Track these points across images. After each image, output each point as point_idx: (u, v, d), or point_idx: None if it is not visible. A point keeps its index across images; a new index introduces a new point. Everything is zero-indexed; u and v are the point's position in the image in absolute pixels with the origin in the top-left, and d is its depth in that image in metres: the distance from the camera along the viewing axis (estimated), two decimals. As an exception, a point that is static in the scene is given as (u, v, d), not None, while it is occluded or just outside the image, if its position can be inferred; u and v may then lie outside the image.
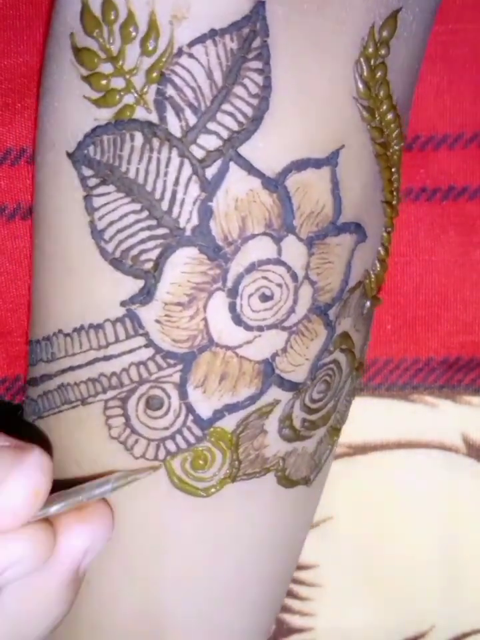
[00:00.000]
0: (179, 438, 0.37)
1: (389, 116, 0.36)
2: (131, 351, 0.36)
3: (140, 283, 0.35)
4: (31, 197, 0.42)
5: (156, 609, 0.38)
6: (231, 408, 0.37)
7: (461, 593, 0.50)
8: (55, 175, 0.36)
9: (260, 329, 0.36)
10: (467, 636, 0.51)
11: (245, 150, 0.34)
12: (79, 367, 0.37)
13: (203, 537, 0.38)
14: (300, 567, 0.50)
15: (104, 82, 0.33)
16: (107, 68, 0.34)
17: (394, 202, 0.38)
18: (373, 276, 0.38)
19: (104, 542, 0.35)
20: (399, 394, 0.47)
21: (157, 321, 0.35)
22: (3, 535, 0.31)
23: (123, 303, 0.35)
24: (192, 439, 0.37)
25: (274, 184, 0.34)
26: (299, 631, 0.51)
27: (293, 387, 0.37)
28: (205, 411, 0.36)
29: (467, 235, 0.46)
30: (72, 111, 0.34)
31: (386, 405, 0.47)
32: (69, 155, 0.35)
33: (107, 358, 0.36)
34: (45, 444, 0.37)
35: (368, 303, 0.39)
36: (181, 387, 0.36)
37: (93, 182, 0.35)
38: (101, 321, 0.36)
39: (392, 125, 0.36)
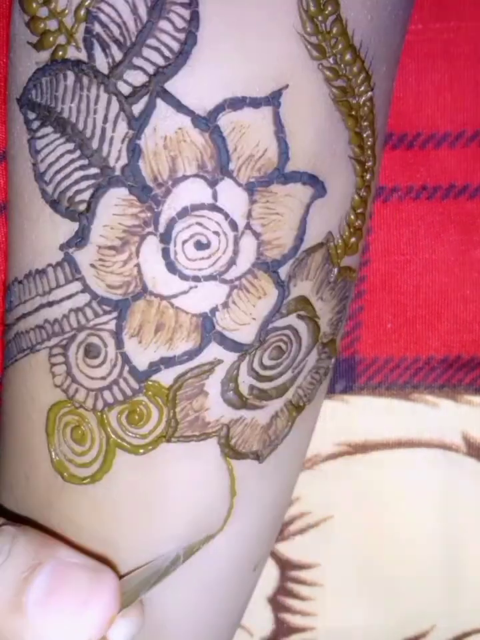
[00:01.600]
0: (115, 389, 0.32)
1: (348, 56, 0.30)
2: (69, 297, 0.31)
3: (76, 226, 0.31)
4: None
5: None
6: (168, 361, 0.31)
7: (461, 592, 0.44)
8: (12, 122, 0.32)
9: (196, 279, 0.30)
10: (468, 635, 0.45)
11: (173, 86, 0.29)
12: (29, 314, 0.33)
13: (135, 497, 0.32)
14: (301, 567, 0.44)
15: (41, 25, 0.30)
16: (43, 11, 0.30)
17: (366, 161, 0.32)
18: (339, 240, 0.32)
19: (138, 630, 0.31)
20: (400, 393, 0.42)
21: (92, 266, 0.31)
22: None
23: (61, 247, 0.31)
24: (128, 391, 0.32)
25: (205, 122, 0.29)
26: (300, 630, 0.45)
27: (237, 347, 0.31)
28: (141, 363, 0.31)
29: (468, 234, 0.41)
30: (19, 59, 0.31)
31: (386, 403, 0.42)
32: (17, 101, 0.31)
33: (50, 304, 0.32)
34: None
35: (335, 270, 0.33)
36: (117, 336, 0.31)
37: (35, 125, 0.31)
38: (44, 266, 0.32)
39: (354, 68, 0.30)
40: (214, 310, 0.31)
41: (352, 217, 0.33)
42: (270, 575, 0.44)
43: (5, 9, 0.37)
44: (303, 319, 0.32)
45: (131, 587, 0.30)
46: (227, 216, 0.30)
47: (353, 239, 0.33)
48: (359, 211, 0.33)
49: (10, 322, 0.34)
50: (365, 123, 0.32)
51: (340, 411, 0.42)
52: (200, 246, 0.30)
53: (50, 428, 0.33)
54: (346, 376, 0.41)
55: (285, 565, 0.44)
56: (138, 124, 0.29)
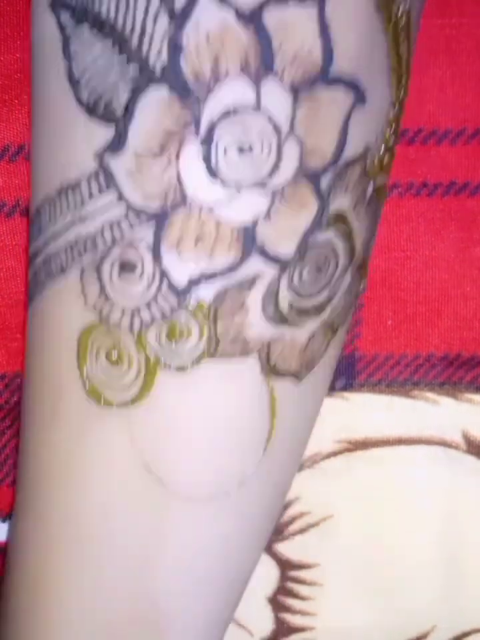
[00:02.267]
0: (153, 306, 0.29)
1: None
2: (104, 210, 0.28)
3: (112, 131, 0.28)
4: (30, 193, 0.35)
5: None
6: (208, 276, 0.28)
7: (462, 591, 0.42)
8: (39, 27, 0.29)
9: (238, 186, 0.28)
10: (467, 635, 0.43)
11: None
12: (59, 234, 0.30)
13: (176, 419, 0.30)
14: (301, 566, 0.42)
15: None
16: None
17: (402, 75, 0.30)
18: (375, 156, 0.30)
19: None
20: (400, 390, 0.40)
21: (129, 174, 0.28)
22: None
23: (95, 156, 0.28)
24: (167, 308, 0.29)
25: (249, 17, 0.26)
26: (300, 630, 0.42)
27: (278, 260, 0.29)
28: (180, 277, 0.28)
29: (468, 231, 0.39)
30: None
31: (387, 401, 0.40)
32: (50, 5, 0.28)
33: (82, 219, 0.29)
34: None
35: (371, 187, 0.30)
36: (155, 249, 0.28)
37: (70, 27, 0.28)
38: (77, 178, 0.29)
39: None
40: (255, 220, 0.28)
41: (388, 133, 0.30)
42: (270, 575, 0.42)
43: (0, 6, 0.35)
44: (340, 236, 0.30)
45: None
46: (270, 119, 0.27)
47: (386, 157, 0.31)
48: (393, 126, 0.31)
49: (36, 250, 0.31)
50: (403, 35, 0.29)
51: (340, 409, 0.40)
52: (242, 150, 0.27)
53: (82, 353, 0.30)
54: (346, 373, 0.40)
55: (285, 565, 0.42)
56: (180, 19, 0.26)
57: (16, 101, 0.36)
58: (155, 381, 0.29)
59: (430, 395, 0.40)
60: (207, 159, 0.27)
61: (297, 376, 0.30)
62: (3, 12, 0.35)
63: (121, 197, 0.28)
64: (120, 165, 0.28)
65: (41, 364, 0.31)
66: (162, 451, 0.30)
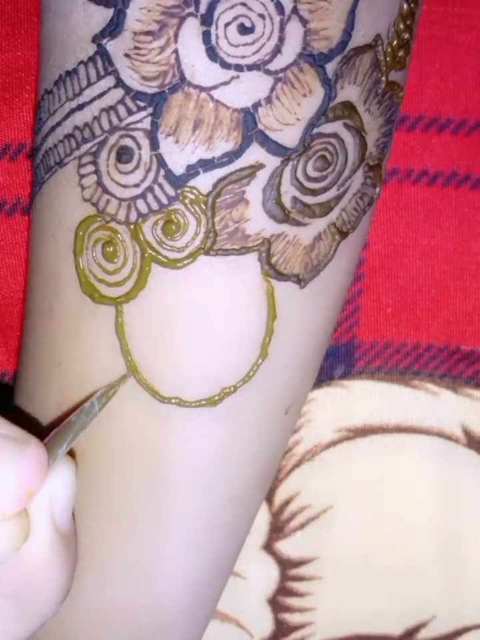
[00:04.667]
0: (150, 197, 0.28)
1: None
2: (101, 95, 0.28)
3: (111, 13, 0.27)
4: (31, 191, 0.36)
5: None
6: (206, 164, 0.28)
7: (461, 583, 0.42)
8: None
9: (239, 68, 0.27)
10: (468, 630, 0.43)
11: None
12: (57, 125, 0.30)
13: (171, 315, 0.29)
14: (301, 563, 0.42)
15: None
16: None
17: None
18: (387, 47, 0.29)
19: (70, 479, 0.28)
20: (400, 378, 0.40)
21: (126, 55, 0.28)
22: None
23: (93, 38, 0.28)
24: (164, 199, 0.28)
25: None
26: (299, 627, 0.43)
27: (280, 149, 0.28)
28: (177, 166, 0.28)
29: (468, 224, 0.39)
30: None
31: (386, 388, 0.40)
32: None
33: (80, 107, 0.29)
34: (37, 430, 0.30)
35: (383, 80, 0.29)
36: (152, 135, 0.28)
37: None
38: (75, 64, 0.29)
39: None
40: (256, 105, 0.27)
41: (401, 25, 0.30)
42: (270, 576, 0.42)
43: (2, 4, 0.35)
44: (349, 128, 0.29)
45: (51, 448, 0.27)
46: (272, -3, 0.27)
47: (400, 52, 0.30)
48: (407, 22, 0.30)
49: (37, 144, 0.31)
50: None
51: (339, 397, 0.40)
52: (243, 30, 0.27)
53: (78, 247, 0.29)
54: (345, 361, 0.39)
55: (285, 564, 0.42)
56: None
57: (17, 100, 0.36)
58: (149, 277, 0.29)
59: (430, 385, 0.40)
60: (206, 38, 0.27)
61: (300, 279, 0.30)
62: (4, 10, 0.36)
63: (118, 81, 0.28)
64: (117, 46, 0.27)
65: (40, 261, 0.31)
66: (154, 350, 0.29)
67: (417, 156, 0.39)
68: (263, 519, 0.41)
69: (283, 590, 0.42)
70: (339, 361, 0.40)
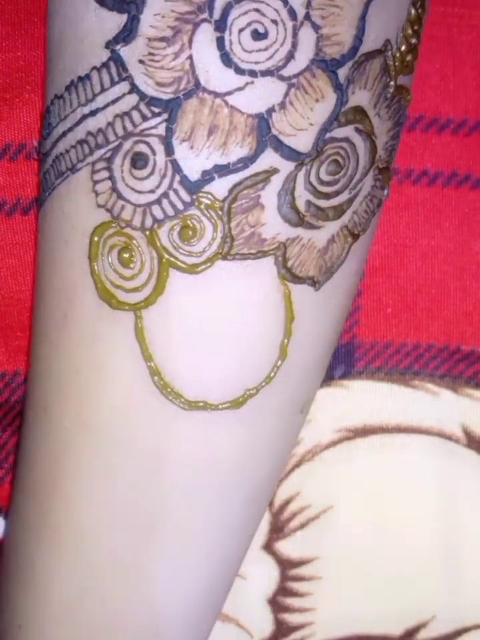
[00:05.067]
0: (165, 203, 0.29)
1: None
2: (115, 101, 0.28)
3: (124, 18, 0.28)
4: (31, 191, 0.37)
5: None
6: (221, 169, 0.28)
7: (461, 583, 0.42)
8: None
9: (253, 73, 0.27)
10: (468, 630, 0.43)
11: None
12: (69, 130, 0.30)
13: (190, 320, 0.29)
14: (301, 563, 0.42)
15: None
16: None
17: None
18: (396, 52, 0.30)
19: None
20: (400, 379, 0.40)
21: (141, 62, 0.28)
22: None
23: (107, 44, 0.28)
24: (179, 205, 0.29)
25: None
26: (299, 627, 0.43)
27: (294, 155, 0.28)
28: (192, 171, 0.28)
29: (468, 225, 0.39)
30: None
31: (386, 388, 0.40)
32: None
33: (93, 113, 0.29)
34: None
35: (392, 85, 0.30)
36: (167, 141, 0.28)
37: None
38: (88, 70, 0.29)
39: None
40: (270, 110, 0.28)
41: (409, 30, 0.30)
42: (270, 576, 0.42)
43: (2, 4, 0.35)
44: (360, 133, 0.29)
45: None
46: (285, 2, 0.27)
47: (409, 56, 0.30)
48: (415, 27, 0.30)
49: (45, 151, 0.31)
50: None
51: (339, 397, 0.40)
52: (257, 35, 0.27)
53: (93, 253, 0.29)
54: (345, 361, 0.40)
55: (285, 564, 0.42)
56: None
57: (17, 100, 0.36)
58: (168, 282, 0.29)
59: (430, 385, 0.40)
60: (220, 44, 0.27)
61: (315, 281, 0.30)
62: (4, 10, 0.36)
63: (132, 87, 0.28)
64: (132, 52, 0.28)
65: (53, 268, 0.31)
66: (176, 354, 0.29)
67: (417, 156, 0.39)
68: (263, 518, 0.41)
69: (282, 590, 0.42)
70: (339, 361, 0.40)
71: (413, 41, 0.30)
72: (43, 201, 0.31)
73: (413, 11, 0.30)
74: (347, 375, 0.40)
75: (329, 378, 0.40)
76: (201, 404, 0.30)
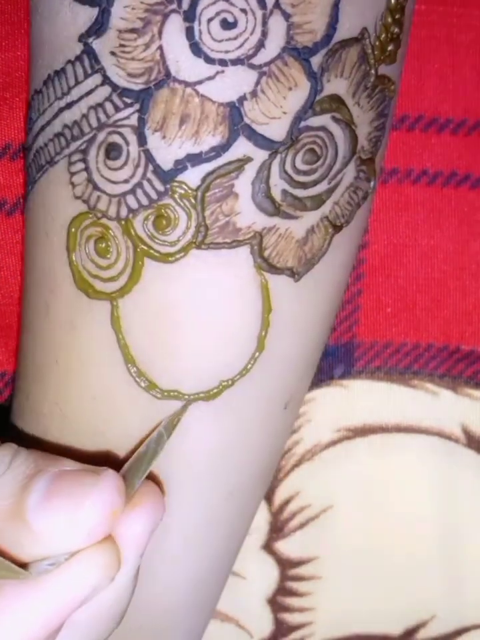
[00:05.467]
0: (139, 192, 0.29)
1: None
2: (89, 93, 0.29)
3: (96, 12, 0.28)
4: None
5: None
6: (194, 158, 0.28)
7: (461, 583, 0.42)
8: None
9: (223, 62, 0.28)
10: (468, 630, 0.42)
11: None
12: (48, 124, 0.30)
13: (165, 309, 0.29)
14: (300, 563, 0.42)
15: None
16: None
17: None
18: (375, 41, 0.29)
19: (160, 519, 0.28)
20: (399, 378, 0.40)
21: (112, 53, 0.28)
22: (76, 567, 0.26)
23: (79, 37, 0.28)
24: (153, 194, 0.29)
25: None
26: (299, 627, 0.43)
27: (267, 143, 0.28)
28: (165, 161, 0.28)
29: (468, 225, 0.39)
30: None
31: (386, 388, 0.40)
32: None
33: (68, 105, 0.29)
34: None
35: (372, 73, 0.30)
36: (139, 131, 0.28)
37: None
38: (63, 64, 0.29)
39: None
40: (242, 99, 0.28)
41: (389, 19, 0.30)
42: (270, 576, 0.42)
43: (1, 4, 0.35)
44: (338, 122, 0.29)
45: (127, 478, 0.28)
46: (254, -9, 0.27)
47: (390, 46, 0.30)
48: (396, 15, 0.30)
49: (29, 144, 0.31)
50: None
51: (339, 397, 0.40)
52: (226, 25, 0.27)
53: (71, 244, 0.30)
54: (344, 360, 0.40)
55: (285, 564, 0.42)
56: None
57: (17, 100, 0.36)
58: (143, 271, 0.29)
59: (430, 385, 0.40)
60: (190, 34, 0.27)
61: (294, 272, 0.30)
62: (4, 10, 0.36)
63: (105, 79, 0.28)
64: (104, 45, 0.28)
65: (35, 260, 0.31)
66: (151, 343, 0.29)
67: (417, 156, 0.39)
68: (262, 518, 0.41)
69: (282, 590, 0.42)
70: (338, 361, 0.40)
71: (395, 29, 0.30)
72: (27, 194, 0.31)
73: (393, 0, 0.30)
74: (346, 374, 0.40)
75: (328, 378, 0.40)
76: (174, 393, 0.30)
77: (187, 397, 0.30)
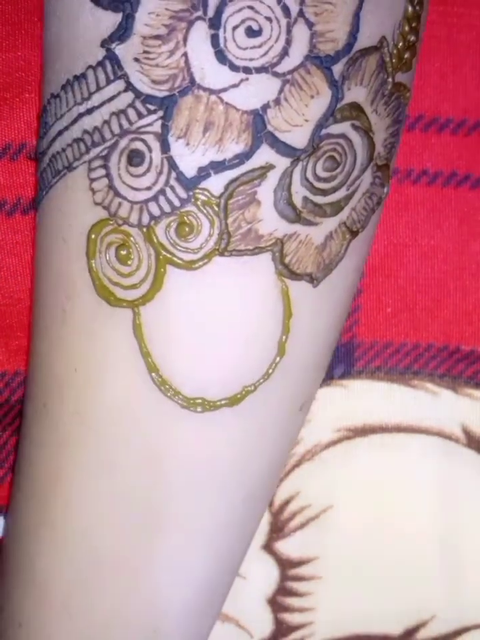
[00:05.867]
0: (162, 199, 0.29)
1: None
2: (111, 99, 0.28)
3: (119, 17, 0.28)
4: (31, 191, 0.37)
5: None
6: (217, 166, 0.28)
7: (461, 583, 0.42)
8: None
9: (247, 70, 0.28)
10: (468, 630, 0.43)
11: None
12: (65, 129, 0.30)
13: (187, 316, 0.29)
14: (300, 563, 0.42)
15: None
16: None
17: None
18: (393, 49, 0.30)
19: None
20: (399, 378, 0.40)
21: (136, 60, 0.28)
22: None
23: (102, 43, 0.28)
24: (176, 201, 0.29)
25: None
26: (299, 627, 0.43)
27: (290, 151, 0.28)
28: (188, 168, 0.28)
29: (468, 225, 0.39)
30: None
31: (386, 388, 0.40)
32: None
33: (89, 111, 0.29)
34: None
35: (389, 81, 0.30)
36: (163, 138, 0.28)
37: None
38: (84, 69, 0.29)
39: None
40: (265, 107, 0.28)
41: (406, 28, 0.30)
42: (270, 576, 0.42)
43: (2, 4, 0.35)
44: (357, 129, 0.29)
45: None
46: (279, 0, 0.27)
47: (406, 54, 0.30)
48: (412, 24, 0.30)
49: (42, 150, 0.31)
50: None
51: (339, 397, 0.40)
52: (251, 33, 0.27)
53: (91, 251, 0.30)
54: (345, 360, 0.40)
55: (285, 564, 0.42)
56: None
57: (17, 100, 0.36)
58: (165, 279, 0.29)
59: (430, 385, 0.40)
60: (214, 41, 0.27)
61: (313, 278, 0.30)
62: (4, 10, 0.36)
63: (128, 85, 0.28)
64: (127, 52, 0.28)
65: (51, 265, 0.31)
66: (174, 351, 0.29)
67: (417, 156, 0.39)
68: (262, 518, 0.41)
69: (282, 590, 0.42)
70: (338, 361, 0.40)
71: (411, 38, 0.30)
72: (40, 199, 0.31)
73: (409, 8, 0.30)
74: (346, 374, 0.40)
75: (328, 377, 0.40)
76: (199, 401, 0.30)
77: (211, 403, 0.30)
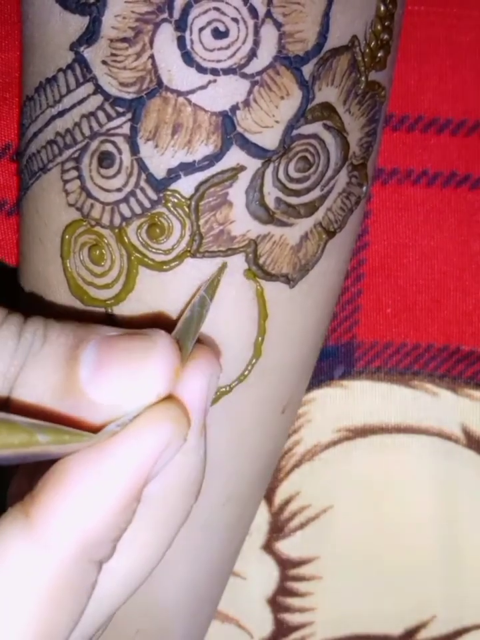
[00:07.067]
0: (132, 201, 0.29)
1: None
2: (81, 101, 0.29)
3: (87, 20, 0.28)
4: None
5: None
6: (187, 167, 0.28)
7: (461, 584, 0.42)
8: None
9: (215, 72, 0.28)
10: (468, 630, 0.43)
11: None
12: (40, 131, 0.30)
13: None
14: (301, 563, 0.42)
15: None
16: None
17: None
18: (365, 48, 0.29)
19: (218, 375, 0.26)
20: (399, 379, 0.40)
21: (104, 62, 0.28)
22: (146, 422, 0.23)
23: (71, 46, 0.28)
24: (146, 203, 0.29)
25: None
26: (299, 627, 0.43)
27: (261, 152, 0.28)
28: (158, 170, 0.28)
29: (467, 225, 0.39)
30: None
31: (386, 388, 0.40)
32: None
33: (61, 113, 0.29)
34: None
35: (362, 80, 0.30)
36: (132, 140, 0.28)
37: None
38: (55, 72, 0.29)
39: None
40: (234, 108, 0.28)
41: (378, 26, 0.30)
42: (270, 576, 0.42)
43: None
44: (330, 129, 0.29)
45: (179, 342, 0.26)
46: (246, 1, 0.27)
47: (380, 52, 0.30)
48: (385, 23, 0.30)
49: (21, 150, 0.31)
50: None
51: (339, 397, 0.40)
52: (218, 34, 0.27)
53: (65, 251, 0.30)
54: (345, 361, 0.40)
55: (285, 564, 0.42)
56: None
57: (17, 100, 0.36)
58: (137, 279, 0.29)
59: (429, 386, 0.40)
60: (181, 43, 0.27)
61: (289, 279, 0.30)
62: (4, 10, 0.36)
63: (97, 88, 0.28)
64: (95, 54, 0.28)
65: (29, 264, 0.31)
66: None
67: (416, 156, 0.39)
68: (262, 519, 0.41)
69: (282, 590, 0.42)
70: (338, 361, 0.40)
71: (384, 36, 0.30)
72: (20, 200, 0.32)
73: (382, 7, 0.30)
74: (346, 375, 0.40)
75: (328, 378, 0.40)
76: None
77: None
